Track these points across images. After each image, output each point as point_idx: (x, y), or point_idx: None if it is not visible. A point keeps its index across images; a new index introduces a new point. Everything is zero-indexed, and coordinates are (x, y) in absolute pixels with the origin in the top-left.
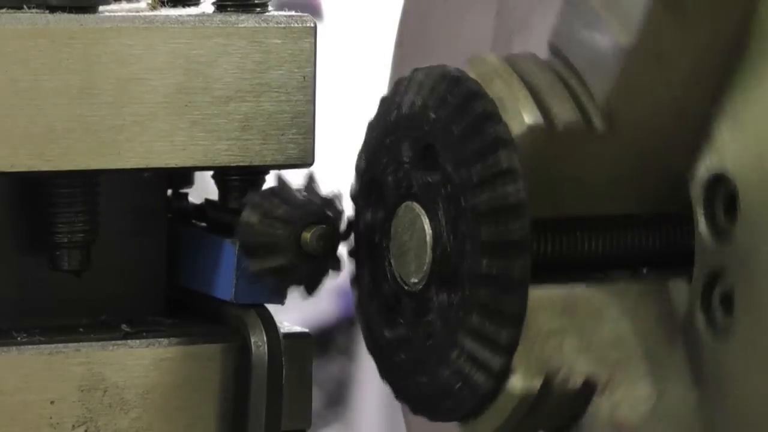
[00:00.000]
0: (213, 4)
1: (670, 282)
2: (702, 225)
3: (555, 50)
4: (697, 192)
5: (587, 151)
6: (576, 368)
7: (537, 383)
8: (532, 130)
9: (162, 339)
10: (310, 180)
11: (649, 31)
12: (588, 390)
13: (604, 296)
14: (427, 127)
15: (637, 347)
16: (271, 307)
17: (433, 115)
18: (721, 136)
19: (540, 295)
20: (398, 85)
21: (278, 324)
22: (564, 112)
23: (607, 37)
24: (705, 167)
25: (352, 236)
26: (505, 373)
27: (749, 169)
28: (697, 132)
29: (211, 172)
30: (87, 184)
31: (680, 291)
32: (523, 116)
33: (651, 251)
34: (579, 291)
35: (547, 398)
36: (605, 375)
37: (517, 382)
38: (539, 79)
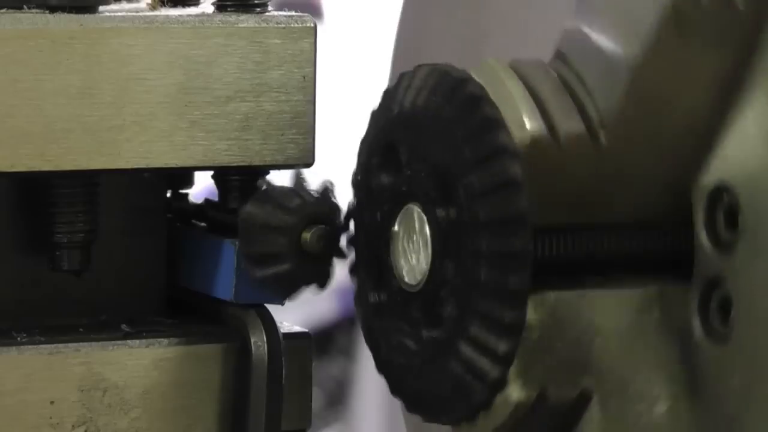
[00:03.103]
0: (213, 4)
1: (668, 289)
2: (702, 234)
3: (562, 57)
4: (698, 201)
5: (589, 164)
6: (571, 380)
7: (533, 393)
8: (534, 139)
9: (162, 339)
10: (307, 180)
11: (659, 47)
12: (582, 401)
13: (601, 304)
14: (428, 128)
15: (632, 358)
16: (271, 307)
17: (434, 117)
18: (726, 148)
19: (537, 303)
20: (401, 80)
21: (278, 324)
22: (568, 124)
23: (617, 49)
24: (708, 178)
25: (353, 236)
26: (501, 382)
27: (752, 181)
28: (703, 145)
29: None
30: (87, 184)
31: (678, 299)
32: (525, 124)
33: (649, 256)
34: (576, 299)
35: (542, 408)
36: (599, 387)
37: (513, 392)
38: (544, 87)
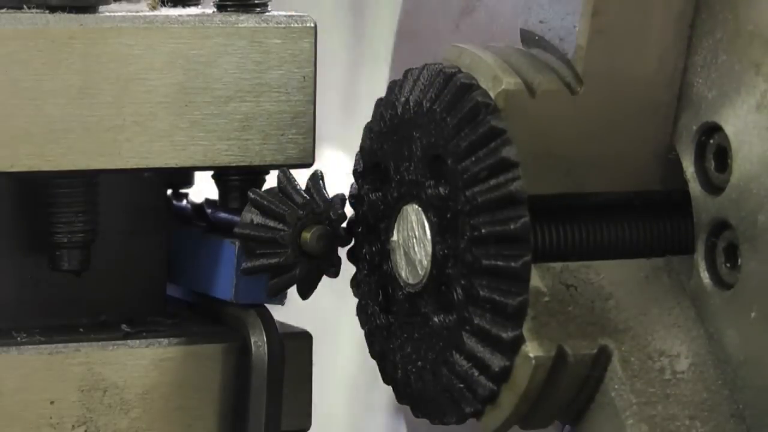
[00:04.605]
0: (213, 4)
1: (674, 258)
2: (694, 181)
3: (527, 35)
4: (686, 148)
5: (567, 117)
6: (588, 337)
7: (551, 350)
8: (510, 93)
9: (162, 339)
10: (314, 179)
11: None
12: (603, 358)
13: (608, 272)
14: (424, 126)
15: (648, 319)
16: (271, 307)
17: (429, 113)
18: (703, 87)
19: (543, 271)
20: (393, 87)
21: (278, 324)
22: (542, 78)
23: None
24: (691, 120)
25: (353, 251)
26: (505, 373)
27: (738, 118)
28: (679, 83)
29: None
30: (87, 184)
31: (684, 267)
32: (501, 81)
33: (651, 243)
34: (581, 268)
35: (564, 368)
36: (618, 345)
37: (531, 350)
38: (517, 57)
